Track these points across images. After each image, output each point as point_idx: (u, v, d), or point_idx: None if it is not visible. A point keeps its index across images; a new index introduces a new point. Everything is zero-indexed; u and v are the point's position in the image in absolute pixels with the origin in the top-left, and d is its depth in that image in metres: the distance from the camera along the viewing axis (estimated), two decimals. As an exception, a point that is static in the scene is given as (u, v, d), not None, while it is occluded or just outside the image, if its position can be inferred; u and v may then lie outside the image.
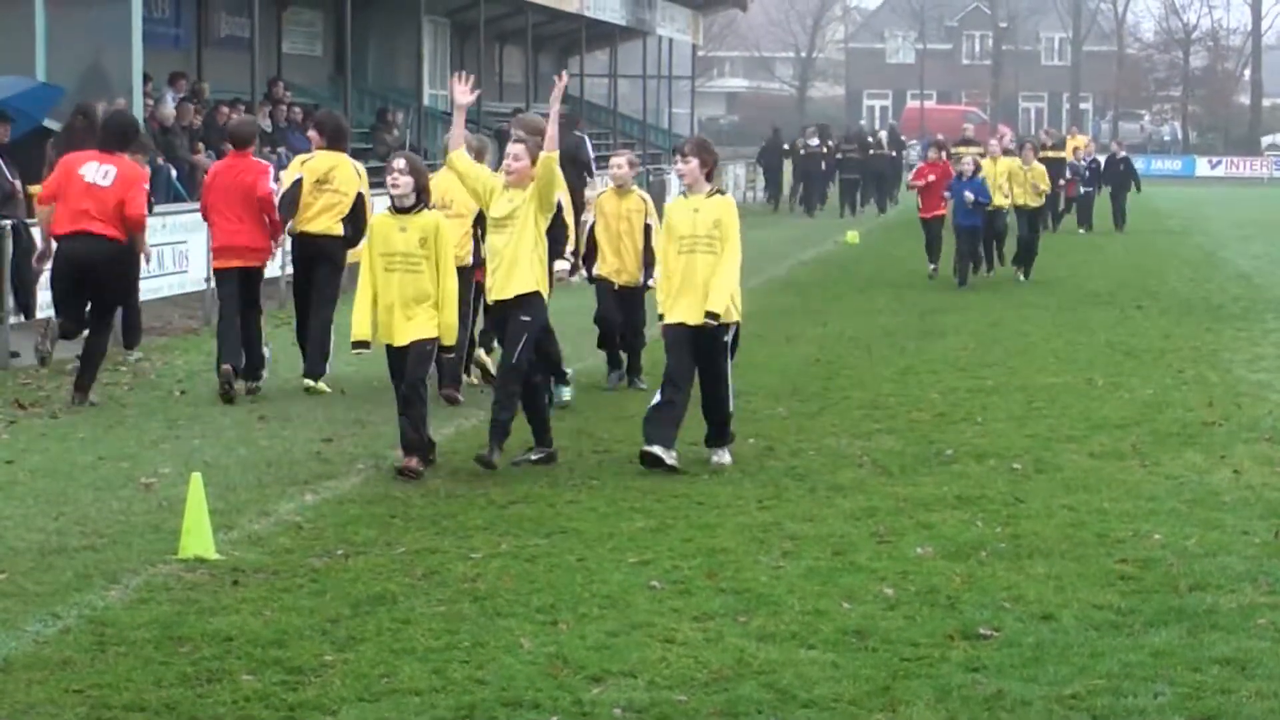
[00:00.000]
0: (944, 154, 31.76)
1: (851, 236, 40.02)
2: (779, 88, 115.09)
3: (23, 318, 18.49)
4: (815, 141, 52.76)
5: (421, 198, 13.23)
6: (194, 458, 13.37)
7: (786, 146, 53.72)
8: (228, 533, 11.03)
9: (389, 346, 13.24)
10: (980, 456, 14.06)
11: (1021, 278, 29.95)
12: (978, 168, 29.03)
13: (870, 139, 55.09)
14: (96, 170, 15.62)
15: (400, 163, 13.26)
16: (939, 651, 8.80)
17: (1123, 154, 46.54)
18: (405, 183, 13.04)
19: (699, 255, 13.43)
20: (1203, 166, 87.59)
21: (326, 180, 17.00)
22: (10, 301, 18.22)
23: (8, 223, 18.13)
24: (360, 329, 13.14)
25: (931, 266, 30.21)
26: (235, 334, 16.42)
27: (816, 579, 10.16)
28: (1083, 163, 44.60)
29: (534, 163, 13.29)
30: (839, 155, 52.40)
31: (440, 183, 16.09)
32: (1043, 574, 10.33)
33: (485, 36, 41.91)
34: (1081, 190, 44.15)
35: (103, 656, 8.54)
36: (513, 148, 13.41)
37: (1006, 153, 31.97)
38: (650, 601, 9.65)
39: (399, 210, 13.16)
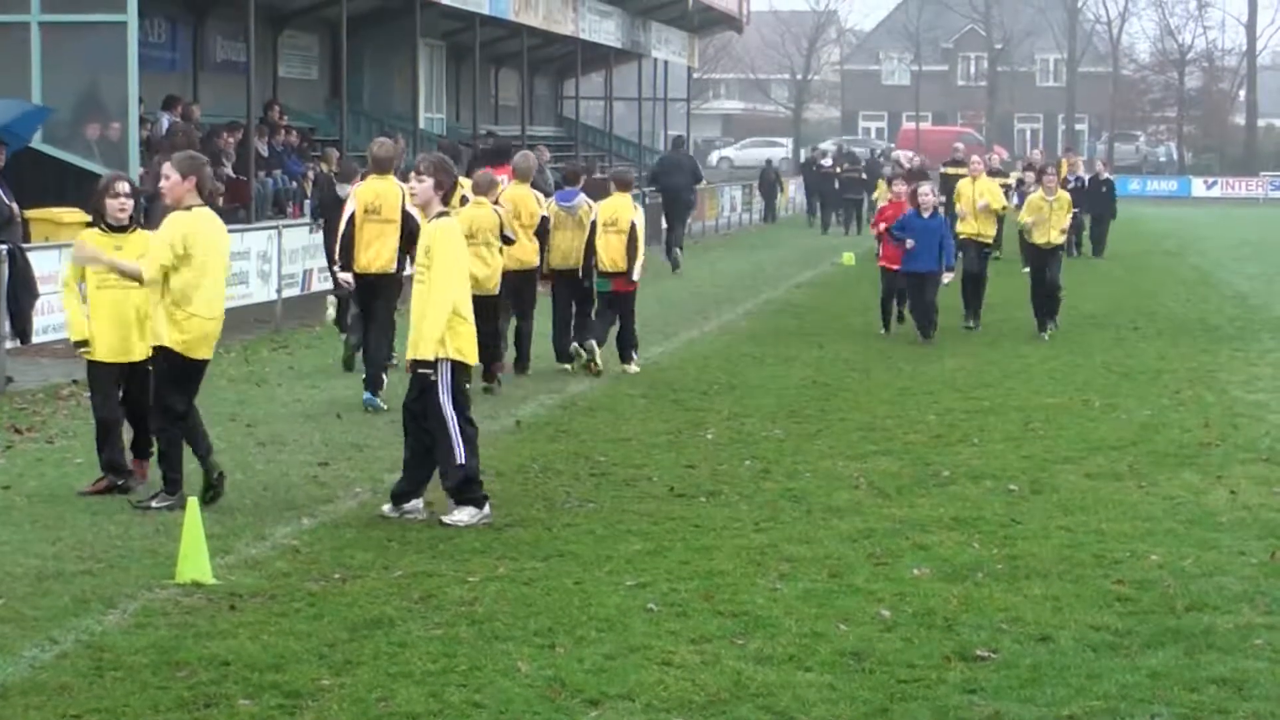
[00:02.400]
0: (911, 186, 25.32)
1: (848, 258, 40.04)
2: (774, 110, 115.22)
3: (19, 343, 18.47)
4: (829, 161, 55.00)
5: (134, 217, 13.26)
6: (190, 482, 13.35)
7: (838, 169, 55.28)
8: (224, 557, 11.03)
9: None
10: (977, 478, 14.06)
11: (1045, 334, 24.54)
12: (936, 207, 23.94)
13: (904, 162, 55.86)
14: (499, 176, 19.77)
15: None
16: (936, 673, 8.80)
17: (1106, 175, 44.12)
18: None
19: (414, 285, 12.44)
20: (1198, 187, 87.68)
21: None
22: (6, 326, 18.19)
23: (4, 247, 18.11)
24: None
25: (883, 330, 24.93)
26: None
27: (813, 601, 10.17)
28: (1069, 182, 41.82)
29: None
30: (843, 174, 53.31)
31: (610, 206, 20.46)
32: (1040, 595, 10.33)
33: (481, 59, 41.91)
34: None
35: (100, 681, 8.54)
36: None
37: (994, 174, 29.60)
38: (647, 624, 9.65)
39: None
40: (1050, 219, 24.61)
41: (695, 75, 73.57)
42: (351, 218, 17.35)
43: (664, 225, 39.04)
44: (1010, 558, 11.28)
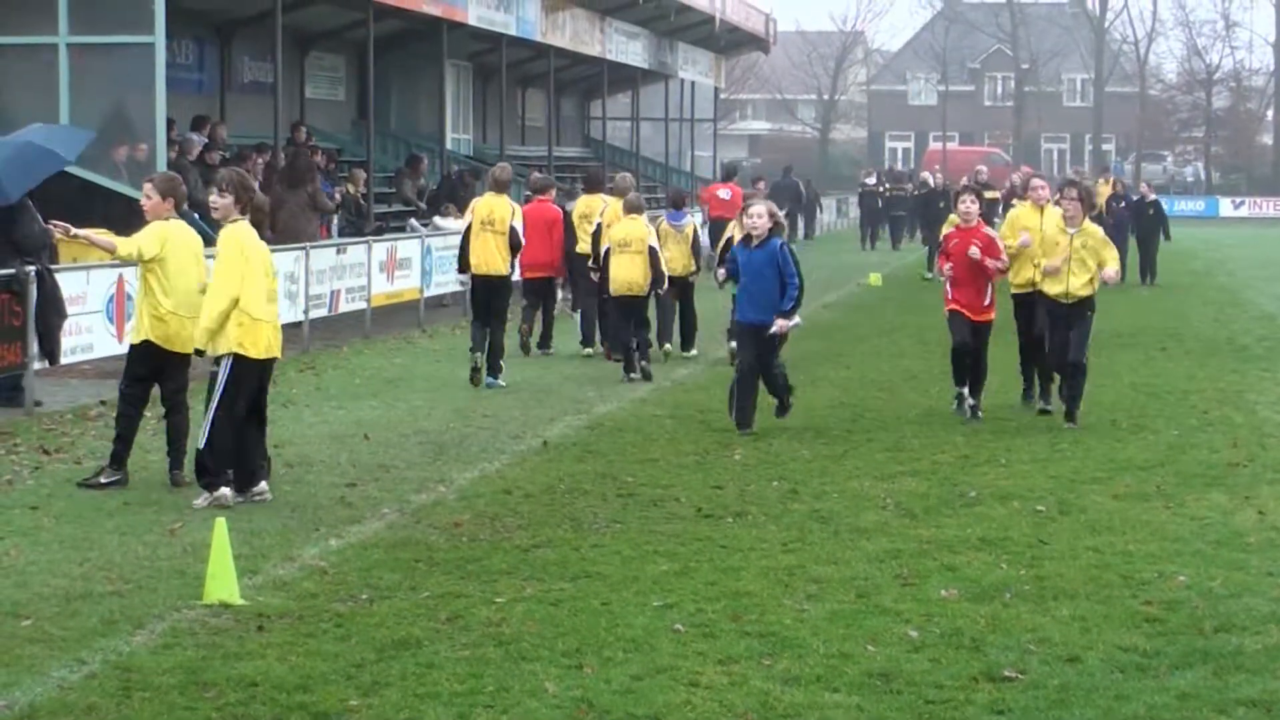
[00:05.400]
0: (979, 203, 18.31)
1: (874, 278, 40.01)
2: (801, 130, 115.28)
3: (47, 364, 18.51)
4: (872, 180, 58.45)
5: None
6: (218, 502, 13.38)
7: (882, 189, 57.86)
8: (252, 578, 11.05)
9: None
10: (1004, 498, 14.04)
11: (1068, 423, 17.61)
12: (775, 227, 17.42)
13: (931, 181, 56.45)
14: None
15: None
16: (964, 694, 8.79)
17: (1152, 197, 41.83)
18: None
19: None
20: (1226, 207, 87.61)
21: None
22: (35, 348, 18.24)
23: (32, 269, 18.17)
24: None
25: (965, 394, 18.58)
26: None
27: (841, 622, 10.15)
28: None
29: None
30: (888, 193, 56.68)
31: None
32: (1067, 616, 10.31)
33: (507, 80, 41.96)
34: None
35: (128, 702, 8.55)
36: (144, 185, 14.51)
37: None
38: (674, 645, 9.65)
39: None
40: (1071, 260, 17.48)
41: (722, 96, 73.65)
42: (469, 228, 20.88)
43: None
44: (1038, 578, 11.26)
